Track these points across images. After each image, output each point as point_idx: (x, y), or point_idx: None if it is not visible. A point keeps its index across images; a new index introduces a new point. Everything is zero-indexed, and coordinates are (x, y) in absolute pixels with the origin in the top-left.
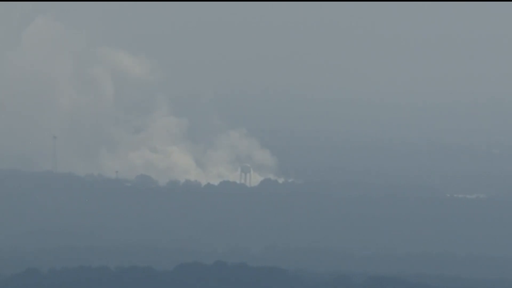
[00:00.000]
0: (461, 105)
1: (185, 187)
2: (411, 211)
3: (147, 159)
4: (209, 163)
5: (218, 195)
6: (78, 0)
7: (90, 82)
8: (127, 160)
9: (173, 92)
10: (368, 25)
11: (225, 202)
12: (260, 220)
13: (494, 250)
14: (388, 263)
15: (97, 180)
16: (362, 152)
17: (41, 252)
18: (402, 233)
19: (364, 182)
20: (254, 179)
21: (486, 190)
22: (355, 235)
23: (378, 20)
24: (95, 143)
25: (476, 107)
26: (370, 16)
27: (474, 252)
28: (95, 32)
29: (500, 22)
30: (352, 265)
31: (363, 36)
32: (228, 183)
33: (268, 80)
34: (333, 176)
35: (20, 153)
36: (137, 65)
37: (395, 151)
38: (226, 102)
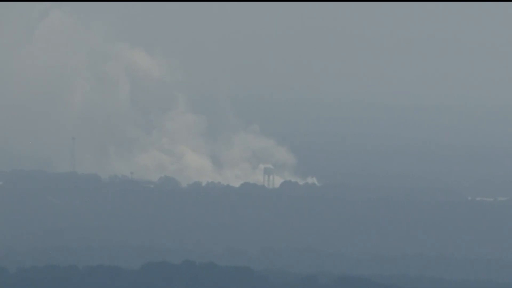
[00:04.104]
0: (484, 108)
1: (206, 189)
2: (424, 214)
3: (166, 159)
4: (228, 163)
5: (238, 197)
6: (95, 0)
7: (106, 79)
8: (144, 161)
9: (188, 91)
10: (384, 28)
11: (245, 204)
12: (272, 221)
13: (492, 252)
14: (382, 265)
15: (115, 181)
16: (389, 155)
17: (31, 252)
18: (404, 235)
19: (386, 186)
20: (275, 180)
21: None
22: (357, 238)
23: (401, 22)
24: (110, 142)
25: (499, 110)
26: (390, 19)
27: (472, 254)
28: (111, 29)
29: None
30: (345, 267)
31: (380, 38)
32: (249, 185)
33: (285, 81)
34: (354, 178)
35: (37, 153)
36: (153, 63)
37: (422, 154)
38: (243, 102)
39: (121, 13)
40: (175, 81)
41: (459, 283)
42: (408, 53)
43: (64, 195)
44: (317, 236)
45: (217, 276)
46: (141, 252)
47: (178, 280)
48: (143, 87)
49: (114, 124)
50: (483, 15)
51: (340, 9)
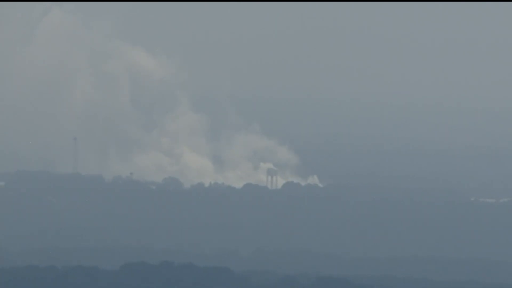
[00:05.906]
0: (486, 108)
1: (209, 189)
2: (426, 215)
3: (167, 159)
4: (230, 162)
5: (241, 198)
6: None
7: (107, 79)
8: (146, 161)
9: (190, 90)
10: (384, 28)
11: (248, 205)
12: (273, 222)
13: (495, 253)
14: (381, 266)
15: (119, 182)
16: (391, 155)
17: (29, 253)
18: (407, 236)
19: (389, 186)
20: (278, 181)
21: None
22: (359, 239)
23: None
24: (112, 142)
25: (501, 110)
26: (386, 18)
27: (475, 255)
28: (112, 28)
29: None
30: (341, 268)
31: (374, 37)
32: (251, 186)
33: (286, 81)
34: (357, 179)
35: (39, 153)
36: (155, 62)
37: (424, 155)
38: (244, 101)
39: (122, 12)
40: (177, 81)
41: (460, 284)
42: (408, 53)
43: (67, 196)
44: (317, 237)
45: (195, 277)
46: (141, 253)
47: (156, 281)
48: (145, 87)
49: (115, 124)
50: (483, 15)
51: (340, 9)
